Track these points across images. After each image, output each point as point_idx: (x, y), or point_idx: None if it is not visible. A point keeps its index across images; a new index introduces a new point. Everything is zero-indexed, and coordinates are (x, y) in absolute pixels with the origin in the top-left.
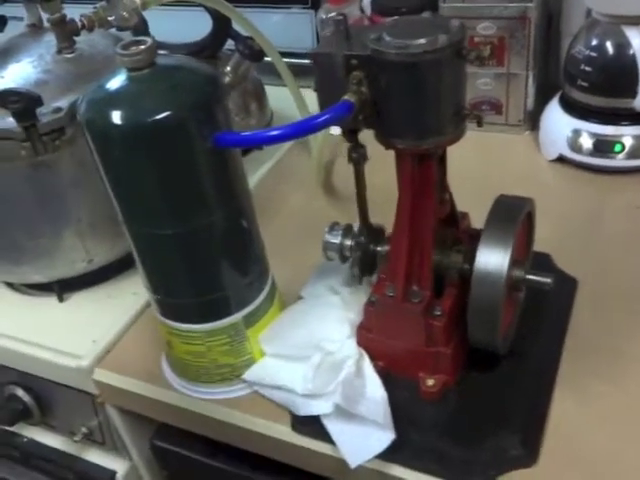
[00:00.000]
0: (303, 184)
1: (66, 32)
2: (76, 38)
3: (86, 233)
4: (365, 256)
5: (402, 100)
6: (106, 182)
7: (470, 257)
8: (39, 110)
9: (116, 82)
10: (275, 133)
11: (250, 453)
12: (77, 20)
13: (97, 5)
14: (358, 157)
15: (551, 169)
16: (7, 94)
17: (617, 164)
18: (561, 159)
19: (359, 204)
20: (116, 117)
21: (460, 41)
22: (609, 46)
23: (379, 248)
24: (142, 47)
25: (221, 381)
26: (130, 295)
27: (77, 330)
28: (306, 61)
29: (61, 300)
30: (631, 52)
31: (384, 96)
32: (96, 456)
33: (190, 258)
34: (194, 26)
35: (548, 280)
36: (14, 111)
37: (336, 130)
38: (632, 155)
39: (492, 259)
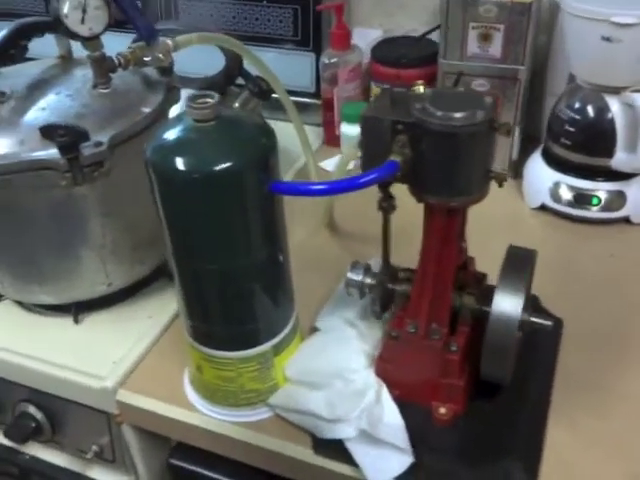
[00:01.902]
0: (304, 219)
1: (104, 69)
2: None
3: (108, 258)
4: (384, 294)
5: (439, 163)
6: (162, 219)
7: (480, 299)
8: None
9: (183, 131)
10: (321, 187)
11: (267, 473)
12: (114, 58)
13: (133, 45)
14: (387, 206)
15: (534, 216)
16: (55, 128)
17: (593, 215)
18: (543, 207)
19: (383, 246)
20: (181, 163)
21: (493, 116)
22: (590, 110)
23: (397, 287)
24: (210, 101)
25: (246, 405)
26: (145, 319)
27: (94, 351)
28: (305, 99)
29: (77, 321)
30: (610, 117)
31: (423, 158)
32: (100, 474)
33: (231, 292)
34: (206, 56)
35: (549, 323)
36: (61, 144)
37: (351, 165)
38: (607, 208)
39: (508, 305)
